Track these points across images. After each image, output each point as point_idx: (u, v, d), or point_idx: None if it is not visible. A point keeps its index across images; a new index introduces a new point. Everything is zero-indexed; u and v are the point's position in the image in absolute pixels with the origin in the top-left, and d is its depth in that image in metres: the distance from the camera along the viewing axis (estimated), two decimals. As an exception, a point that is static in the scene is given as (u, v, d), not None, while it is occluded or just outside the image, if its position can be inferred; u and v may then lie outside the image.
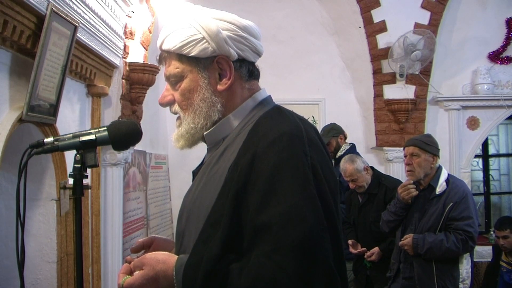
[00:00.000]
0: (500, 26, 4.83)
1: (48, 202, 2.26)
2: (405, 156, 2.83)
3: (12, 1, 1.67)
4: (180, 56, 1.13)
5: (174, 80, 1.15)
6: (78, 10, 2.21)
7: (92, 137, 1.12)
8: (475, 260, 4.59)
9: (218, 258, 0.95)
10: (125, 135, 1.15)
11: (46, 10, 1.84)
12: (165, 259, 1.02)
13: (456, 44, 4.82)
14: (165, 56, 1.16)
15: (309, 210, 0.95)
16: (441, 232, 2.63)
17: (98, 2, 2.43)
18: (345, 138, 4.00)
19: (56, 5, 1.93)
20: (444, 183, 2.72)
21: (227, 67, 1.13)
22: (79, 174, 1.11)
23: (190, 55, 1.11)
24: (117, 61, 2.93)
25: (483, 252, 4.74)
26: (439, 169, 2.79)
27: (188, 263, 0.98)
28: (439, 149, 2.82)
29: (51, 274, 2.26)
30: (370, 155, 4.73)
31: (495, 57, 4.80)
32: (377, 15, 4.55)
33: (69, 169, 2.41)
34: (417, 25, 4.49)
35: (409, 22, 4.49)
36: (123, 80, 3.04)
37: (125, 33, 2.98)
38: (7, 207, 2.22)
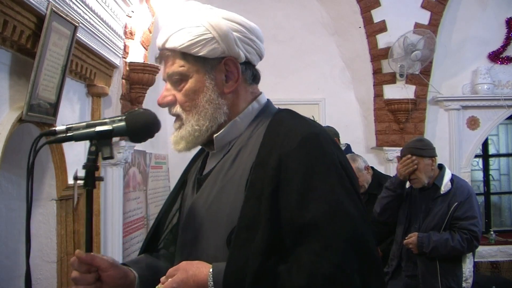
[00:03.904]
0: (500, 26, 4.83)
1: (48, 202, 2.26)
2: None
3: (12, 1, 1.67)
4: (186, 55, 1.08)
5: (178, 80, 1.10)
6: (78, 10, 2.21)
7: (109, 127, 1.04)
8: (475, 260, 4.60)
9: (264, 261, 0.92)
10: (144, 126, 1.06)
11: (46, 10, 1.84)
12: (199, 265, 0.99)
13: (456, 44, 4.82)
14: (168, 54, 1.10)
15: (351, 204, 0.96)
16: (445, 231, 2.64)
17: (98, 2, 2.43)
18: (339, 140, 4.00)
19: (56, 5, 1.93)
20: (449, 183, 2.72)
21: (234, 69, 1.11)
22: (93, 166, 1.03)
23: (198, 54, 1.07)
24: (117, 61, 2.93)
25: (483, 252, 4.74)
26: (442, 168, 2.79)
27: (229, 269, 0.94)
28: (434, 148, 2.82)
29: (51, 274, 2.26)
30: (370, 155, 4.73)
31: (495, 57, 4.81)
32: (377, 15, 4.55)
33: (69, 169, 2.41)
34: (417, 25, 4.49)
35: (409, 22, 4.49)
36: (123, 80, 3.04)
37: (125, 33, 2.98)
38: (7, 207, 2.22)
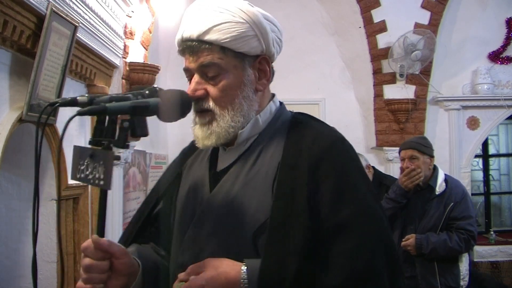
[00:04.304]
0: (500, 26, 4.83)
1: (48, 202, 2.26)
2: (402, 160, 2.80)
3: (12, 1, 1.67)
4: (225, 50, 1.05)
5: (214, 73, 1.06)
6: (78, 10, 2.21)
7: (145, 102, 0.94)
8: (475, 260, 4.60)
9: (302, 260, 0.94)
10: (180, 104, 0.99)
11: (46, 10, 1.85)
12: (229, 263, 0.98)
13: (456, 44, 4.82)
14: (204, 47, 1.05)
15: (378, 207, 1.05)
16: (442, 232, 2.64)
17: (98, 2, 2.43)
18: None
19: (56, 5, 1.93)
20: (443, 183, 2.72)
21: (267, 68, 1.12)
22: (124, 144, 0.91)
23: (239, 50, 1.06)
24: (117, 61, 2.93)
25: (483, 252, 4.75)
26: (435, 169, 2.79)
27: (265, 267, 0.94)
28: (433, 150, 2.82)
29: (51, 274, 2.26)
30: (370, 155, 4.73)
31: (495, 57, 4.81)
32: (377, 15, 4.55)
33: (70, 169, 2.41)
34: (417, 25, 4.49)
35: (409, 22, 4.50)
36: (123, 80, 3.04)
37: (125, 33, 2.98)
38: (7, 207, 2.22)
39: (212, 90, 1.07)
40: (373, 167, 3.39)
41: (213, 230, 1.06)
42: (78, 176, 0.97)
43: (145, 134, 0.93)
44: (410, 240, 2.67)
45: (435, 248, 2.60)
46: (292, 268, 0.92)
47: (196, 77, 1.08)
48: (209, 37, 1.04)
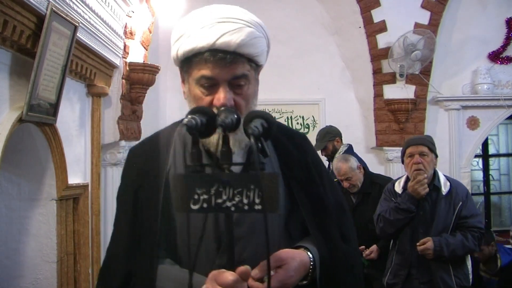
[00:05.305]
0: (500, 26, 4.83)
1: (48, 202, 2.26)
2: (411, 156, 2.72)
3: (12, 1, 1.67)
4: (250, 61, 1.12)
5: (242, 83, 1.10)
6: (78, 10, 2.21)
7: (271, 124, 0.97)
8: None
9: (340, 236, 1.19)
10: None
11: (46, 10, 1.85)
12: (296, 251, 1.10)
13: (456, 44, 4.82)
14: (238, 59, 1.08)
15: None
16: (454, 232, 2.63)
17: (98, 2, 2.43)
18: (341, 140, 3.96)
19: (56, 5, 1.93)
20: (447, 182, 2.70)
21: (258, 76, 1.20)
22: (261, 163, 0.89)
23: (259, 63, 1.15)
24: (117, 61, 2.93)
25: (483, 252, 4.74)
26: (434, 169, 2.77)
27: (321, 250, 1.12)
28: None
29: (51, 274, 2.26)
30: (370, 155, 4.73)
31: (495, 57, 4.81)
32: (377, 15, 4.55)
33: (69, 169, 2.41)
34: (417, 25, 4.49)
35: (409, 22, 4.50)
36: (123, 80, 3.05)
37: (125, 33, 2.98)
38: (7, 207, 2.22)
39: (237, 99, 1.10)
40: (364, 167, 3.39)
41: (251, 229, 1.13)
42: (199, 206, 0.88)
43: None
44: (427, 243, 2.58)
45: (454, 249, 2.56)
46: (341, 247, 1.16)
47: (225, 87, 1.08)
48: (245, 50, 1.08)
